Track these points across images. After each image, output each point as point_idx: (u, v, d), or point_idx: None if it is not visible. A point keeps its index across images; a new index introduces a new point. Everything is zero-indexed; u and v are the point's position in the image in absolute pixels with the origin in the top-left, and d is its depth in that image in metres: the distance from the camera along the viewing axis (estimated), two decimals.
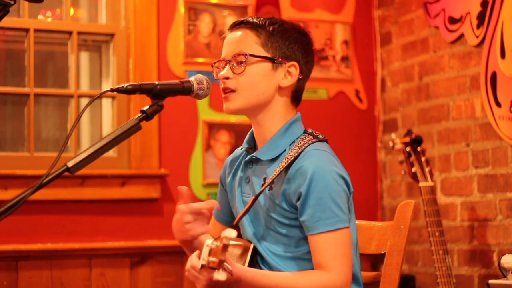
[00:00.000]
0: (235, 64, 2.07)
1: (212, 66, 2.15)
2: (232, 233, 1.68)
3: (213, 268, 1.70)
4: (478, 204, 3.61)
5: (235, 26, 2.13)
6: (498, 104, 3.45)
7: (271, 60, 2.07)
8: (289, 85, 2.10)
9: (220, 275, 1.69)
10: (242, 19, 2.13)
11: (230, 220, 2.25)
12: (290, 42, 2.10)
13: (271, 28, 2.09)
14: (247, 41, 2.08)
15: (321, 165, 1.99)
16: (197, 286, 1.90)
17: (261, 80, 2.07)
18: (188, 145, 3.97)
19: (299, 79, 2.11)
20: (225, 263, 1.74)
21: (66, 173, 1.74)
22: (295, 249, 2.04)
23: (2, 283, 3.56)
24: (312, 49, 2.17)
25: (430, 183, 3.36)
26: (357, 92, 4.35)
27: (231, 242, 1.70)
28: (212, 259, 1.69)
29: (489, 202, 3.55)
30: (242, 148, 2.21)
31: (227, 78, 2.08)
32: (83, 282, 3.69)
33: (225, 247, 1.68)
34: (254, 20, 2.10)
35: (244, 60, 2.06)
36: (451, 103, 3.81)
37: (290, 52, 2.09)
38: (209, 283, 1.82)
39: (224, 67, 2.10)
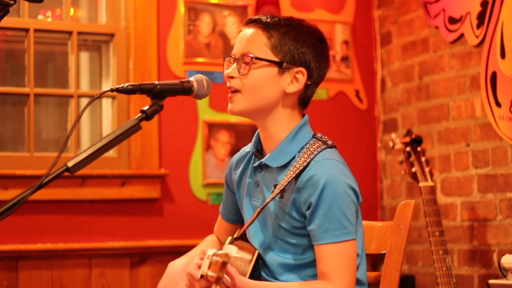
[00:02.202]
0: (241, 64, 2.03)
1: (224, 60, 2.11)
2: (233, 249, 1.69)
3: (211, 282, 1.71)
4: (478, 204, 3.61)
5: (249, 22, 2.09)
6: (498, 104, 3.45)
7: (277, 64, 2.03)
8: (295, 91, 2.05)
9: None
10: (257, 16, 2.09)
11: (236, 219, 2.24)
12: (301, 47, 2.04)
13: (284, 30, 2.04)
14: (257, 42, 2.04)
15: (333, 175, 1.97)
16: None
17: (266, 84, 2.03)
18: (188, 145, 3.97)
19: (307, 85, 2.07)
20: (226, 276, 1.75)
21: (66, 173, 1.74)
22: (301, 256, 2.03)
23: (2, 283, 3.56)
24: (327, 56, 2.11)
25: (430, 183, 3.36)
26: (357, 92, 4.35)
27: (234, 255, 1.71)
28: (210, 273, 1.69)
29: (489, 202, 3.55)
30: (249, 149, 2.18)
31: (232, 77, 2.06)
32: (83, 282, 3.69)
33: (224, 264, 1.69)
34: (268, 19, 2.06)
35: (249, 62, 2.02)
36: (451, 103, 3.82)
37: (300, 57, 2.04)
38: None
39: (232, 64, 2.07)
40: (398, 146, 3.51)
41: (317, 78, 2.10)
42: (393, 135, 3.70)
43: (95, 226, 3.76)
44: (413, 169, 3.41)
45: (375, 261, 3.82)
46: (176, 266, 2.14)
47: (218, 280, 1.70)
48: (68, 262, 3.68)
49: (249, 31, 2.07)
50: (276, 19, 2.07)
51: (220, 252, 1.70)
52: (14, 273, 3.58)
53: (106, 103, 3.99)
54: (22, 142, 3.83)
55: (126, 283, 3.76)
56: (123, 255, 3.77)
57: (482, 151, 3.60)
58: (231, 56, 2.08)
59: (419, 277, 4.03)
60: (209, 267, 1.70)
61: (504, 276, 2.75)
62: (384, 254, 2.16)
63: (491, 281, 2.77)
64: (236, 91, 2.06)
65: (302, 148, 2.05)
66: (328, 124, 4.21)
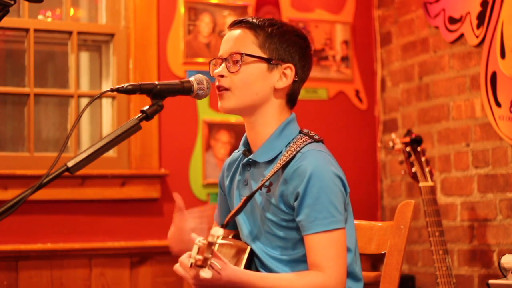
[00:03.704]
0: (230, 63, 2.07)
1: (209, 63, 2.15)
2: (219, 231, 1.69)
3: (200, 266, 1.71)
4: (478, 204, 3.61)
5: (234, 24, 2.13)
6: (498, 104, 3.46)
7: (266, 60, 2.07)
8: (284, 87, 2.09)
9: (205, 273, 1.70)
10: (242, 18, 2.13)
11: (231, 223, 2.25)
12: (288, 45, 2.09)
13: (269, 29, 2.08)
14: (245, 41, 2.08)
15: (319, 165, 1.99)
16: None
17: (256, 80, 2.07)
18: (188, 145, 3.97)
19: (294, 81, 2.10)
20: (213, 262, 1.75)
21: (66, 173, 1.74)
22: (292, 251, 2.04)
23: (2, 283, 3.56)
24: (310, 54, 2.16)
25: (430, 183, 3.36)
26: (357, 92, 4.35)
27: (220, 241, 1.71)
28: (198, 257, 1.70)
29: (489, 202, 3.55)
30: (238, 151, 2.21)
31: (222, 76, 2.08)
32: (83, 282, 3.69)
33: (210, 244, 1.69)
34: (254, 20, 2.10)
35: (239, 59, 2.05)
36: (451, 103, 3.82)
37: (287, 55, 2.09)
38: (196, 281, 1.84)
39: (220, 65, 2.10)
40: (398, 146, 3.51)
41: (302, 75, 2.13)
42: (393, 135, 3.70)
43: (95, 226, 3.76)
44: (413, 169, 3.41)
45: (375, 261, 3.82)
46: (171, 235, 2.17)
47: (206, 261, 1.69)
48: (68, 262, 3.68)
49: (235, 32, 2.11)
50: (261, 19, 2.11)
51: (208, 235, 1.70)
52: (14, 273, 3.59)
53: (106, 103, 3.99)
54: (22, 142, 3.83)
55: (126, 283, 3.76)
56: (123, 255, 3.77)
57: (482, 151, 3.60)
58: (218, 58, 2.11)
59: (419, 277, 4.03)
60: (197, 253, 1.71)
61: (504, 276, 2.75)
62: (384, 254, 2.16)
63: (491, 281, 2.78)
64: (226, 89, 2.08)
65: (289, 143, 2.07)
66: (328, 124, 4.22)
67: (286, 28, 2.12)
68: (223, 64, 2.08)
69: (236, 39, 2.09)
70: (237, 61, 2.06)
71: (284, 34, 2.09)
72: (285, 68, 2.09)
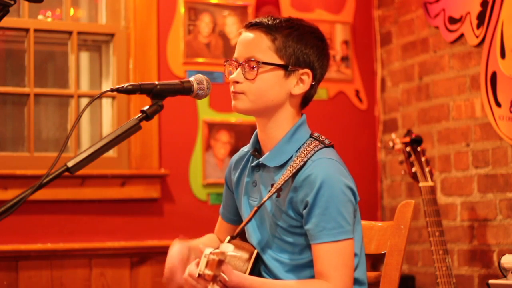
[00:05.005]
0: (246, 69, 2.03)
1: (224, 64, 2.10)
2: (230, 247, 1.71)
3: (208, 281, 1.72)
4: (478, 204, 3.61)
5: (251, 26, 2.07)
6: (498, 104, 3.46)
7: (283, 67, 2.03)
8: (301, 92, 2.07)
9: None
10: (258, 20, 2.08)
11: (236, 219, 2.25)
12: (305, 48, 2.05)
13: (287, 32, 2.04)
14: (261, 46, 2.03)
15: (330, 175, 1.97)
16: None
17: (272, 88, 2.03)
18: (188, 145, 3.97)
19: (311, 85, 2.08)
20: (222, 274, 1.76)
21: (66, 173, 1.74)
22: (299, 256, 2.03)
23: (2, 283, 3.56)
24: (328, 54, 2.12)
25: (430, 183, 3.36)
26: (357, 92, 4.35)
27: (230, 253, 1.72)
28: (207, 272, 1.71)
29: (489, 202, 3.55)
30: (247, 149, 2.19)
31: (237, 81, 2.04)
32: (83, 282, 3.69)
33: (220, 262, 1.70)
34: (270, 22, 2.05)
35: (255, 66, 2.02)
36: (451, 103, 3.82)
37: (304, 58, 2.05)
38: None
39: (235, 68, 2.06)
40: (398, 146, 3.51)
41: (320, 77, 2.11)
42: (393, 135, 3.70)
43: (95, 226, 3.76)
44: (413, 169, 3.41)
45: (375, 261, 3.82)
46: (174, 252, 2.15)
47: (215, 278, 1.71)
48: (68, 262, 3.68)
49: (251, 34, 2.06)
50: (278, 21, 2.06)
51: (217, 250, 1.71)
52: (14, 273, 3.58)
53: (106, 103, 3.99)
54: (22, 142, 3.83)
55: (126, 283, 3.76)
56: (123, 255, 3.77)
57: (482, 151, 3.60)
58: (233, 60, 2.07)
59: (419, 277, 4.03)
60: (206, 266, 1.72)
61: (504, 276, 2.75)
62: (384, 254, 2.16)
63: (491, 281, 2.78)
64: (242, 93, 2.05)
65: (300, 148, 2.05)
66: (328, 124, 4.21)
67: (304, 30, 2.07)
68: (239, 70, 2.05)
69: (252, 43, 2.04)
70: (253, 67, 2.02)
71: (301, 37, 2.05)
72: (302, 74, 2.05)
